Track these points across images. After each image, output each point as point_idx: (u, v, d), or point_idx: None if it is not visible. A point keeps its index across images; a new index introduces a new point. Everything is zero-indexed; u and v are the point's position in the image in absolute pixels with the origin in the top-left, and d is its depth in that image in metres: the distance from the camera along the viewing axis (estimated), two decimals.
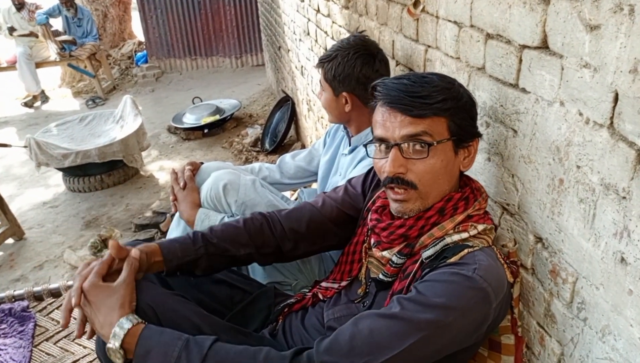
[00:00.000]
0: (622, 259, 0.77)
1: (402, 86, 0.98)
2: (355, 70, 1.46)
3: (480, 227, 0.99)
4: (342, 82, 1.48)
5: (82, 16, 6.96)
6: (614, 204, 0.78)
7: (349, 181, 1.29)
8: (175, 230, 1.66)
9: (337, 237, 1.25)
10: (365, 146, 1.08)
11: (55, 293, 1.70)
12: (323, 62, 1.50)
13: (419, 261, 0.99)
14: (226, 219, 1.49)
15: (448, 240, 0.97)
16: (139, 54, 8.25)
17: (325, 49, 2.75)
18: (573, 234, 0.89)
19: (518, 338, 1.06)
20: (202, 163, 1.71)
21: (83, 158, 3.96)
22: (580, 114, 0.84)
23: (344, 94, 1.49)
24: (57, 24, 6.98)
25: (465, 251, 0.93)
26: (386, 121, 1.00)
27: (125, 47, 8.63)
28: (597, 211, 0.82)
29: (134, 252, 1.05)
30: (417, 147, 0.97)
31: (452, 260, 0.92)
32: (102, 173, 4.20)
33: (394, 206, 1.04)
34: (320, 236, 1.25)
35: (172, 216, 1.68)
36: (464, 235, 0.97)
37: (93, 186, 4.21)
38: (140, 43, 8.58)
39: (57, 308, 1.64)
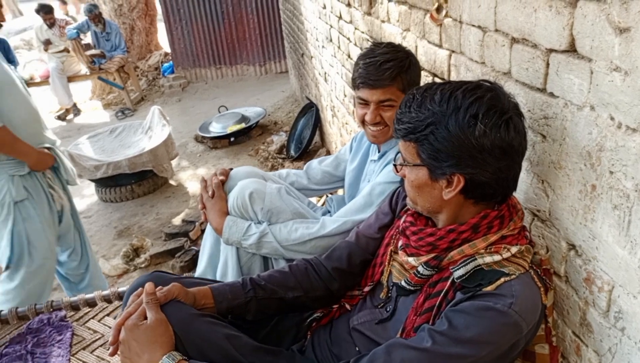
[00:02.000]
0: None
1: (400, 106, 1.03)
2: (419, 70, 1.49)
3: (514, 249, 0.96)
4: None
5: (110, 30, 7.15)
6: None
7: (379, 208, 1.30)
8: (210, 236, 1.69)
9: None
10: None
11: (91, 303, 1.74)
12: (399, 74, 1.42)
13: (450, 280, 0.97)
14: (253, 226, 1.51)
15: (480, 260, 0.95)
16: (165, 64, 8.43)
17: (349, 55, 2.76)
18: (608, 241, 0.87)
19: (553, 347, 1.04)
20: (231, 169, 1.73)
21: (114, 168, 4.07)
22: (612, 118, 0.82)
23: None
24: (87, 39, 7.20)
25: (502, 280, 0.90)
26: None
27: (152, 58, 8.83)
28: (633, 218, 0.80)
29: (148, 287, 1.06)
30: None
31: (488, 289, 0.90)
32: (132, 183, 4.31)
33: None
34: (363, 268, 1.25)
35: (201, 224, 1.72)
36: (496, 258, 0.94)
37: (124, 196, 4.32)
38: (166, 54, 8.76)
39: (92, 317, 1.68)
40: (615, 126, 0.82)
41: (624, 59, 0.78)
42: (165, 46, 8.77)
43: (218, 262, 1.64)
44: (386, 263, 1.15)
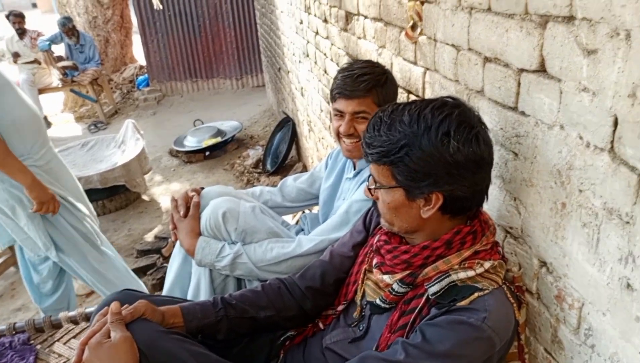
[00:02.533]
0: (629, 285, 0.76)
1: (367, 129, 1.01)
2: (396, 88, 1.50)
3: (487, 264, 0.96)
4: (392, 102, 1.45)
5: (84, 42, 7.05)
6: (617, 229, 0.77)
7: (354, 226, 1.30)
8: (177, 256, 1.65)
9: None
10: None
11: (56, 325, 1.68)
12: (374, 87, 1.43)
13: (425, 296, 0.97)
14: (226, 247, 1.48)
15: (454, 276, 0.95)
16: (141, 77, 8.34)
17: (325, 71, 2.78)
18: (577, 259, 0.88)
19: None
20: (202, 188, 1.70)
21: (85, 183, 3.95)
22: (581, 137, 0.84)
23: None
24: (60, 50, 7.07)
25: (475, 295, 0.91)
26: None
27: (127, 71, 8.73)
28: (601, 236, 0.81)
29: (113, 307, 1.03)
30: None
31: (462, 303, 0.91)
32: (104, 199, 4.21)
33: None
34: (337, 287, 1.24)
35: (174, 242, 1.67)
36: (470, 273, 0.95)
37: (95, 211, 4.20)
38: (141, 67, 8.67)
39: (58, 340, 1.62)
40: (584, 145, 0.83)
41: (592, 80, 0.79)
42: (141, 59, 8.70)
43: (184, 284, 1.59)
44: (360, 282, 1.14)
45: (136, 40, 8.67)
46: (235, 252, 1.46)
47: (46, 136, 2.32)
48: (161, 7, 7.07)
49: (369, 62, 1.50)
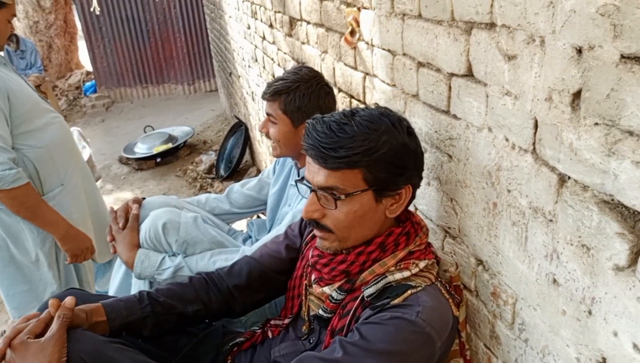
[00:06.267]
0: (554, 280, 0.79)
1: (319, 135, 0.94)
2: (320, 101, 1.46)
3: (422, 264, 0.98)
4: (306, 113, 1.41)
5: (25, 48, 6.73)
6: (542, 227, 0.80)
7: (289, 226, 1.29)
8: (118, 271, 1.60)
9: (285, 284, 1.23)
10: (296, 182, 1.07)
11: None
12: (281, 93, 1.44)
13: (360, 298, 0.98)
14: (167, 259, 1.45)
15: (390, 278, 0.96)
16: (87, 83, 8.08)
17: (273, 76, 2.76)
18: (509, 256, 0.91)
19: (467, 361, 1.07)
20: (144, 199, 1.65)
21: None
22: (507, 139, 0.87)
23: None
24: None
25: (409, 292, 0.92)
26: (309, 165, 0.99)
27: (73, 77, 8.43)
28: (529, 234, 0.84)
29: (68, 301, 1.00)
30: (329, 197, 0.96)
31: (396, 301, 0.91)
32: None
33: (317, 242, 1.05)
34: (264, 285, 1.23)
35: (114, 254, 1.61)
36: (406, 274, 0.96)
37: None
38: (88, 73, 8.40)
39: None
40: (509, 146, 0.86)
41: (513, 84, 0.82)
42: (87, 65, 8.41)
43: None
44: (303, 297, 1.14)
45: (82, 45, 8.38)
46: (176, 265, 1.43)
47: (78, 154, 1.97)
48: (98, 10, 6.87)
49: (300, 68, 1.51)
